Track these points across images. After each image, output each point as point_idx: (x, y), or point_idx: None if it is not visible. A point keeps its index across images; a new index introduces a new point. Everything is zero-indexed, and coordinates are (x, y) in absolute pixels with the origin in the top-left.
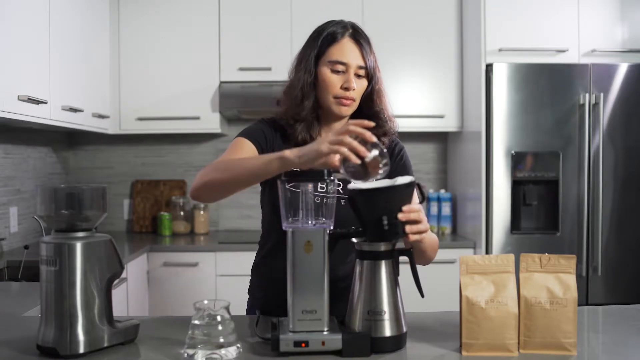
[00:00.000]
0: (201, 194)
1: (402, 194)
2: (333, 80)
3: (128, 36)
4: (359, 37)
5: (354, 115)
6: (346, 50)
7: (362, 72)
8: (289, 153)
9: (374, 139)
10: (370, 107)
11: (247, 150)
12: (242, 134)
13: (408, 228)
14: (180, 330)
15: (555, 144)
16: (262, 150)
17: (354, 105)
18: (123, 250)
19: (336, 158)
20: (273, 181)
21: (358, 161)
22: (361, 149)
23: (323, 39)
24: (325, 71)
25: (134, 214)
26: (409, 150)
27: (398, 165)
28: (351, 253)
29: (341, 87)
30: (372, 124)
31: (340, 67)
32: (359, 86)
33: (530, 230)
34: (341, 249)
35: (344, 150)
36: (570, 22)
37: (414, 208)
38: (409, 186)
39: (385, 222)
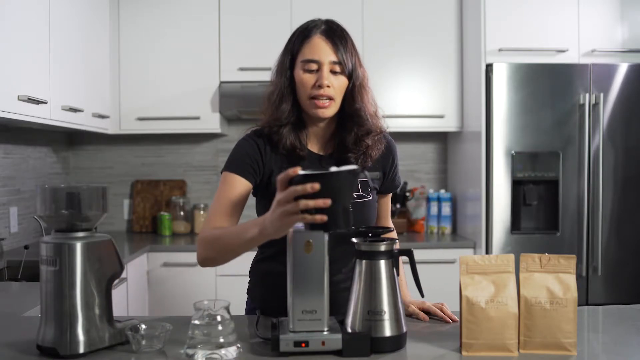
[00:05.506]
0: (207, 265)
1: (342, 184)
2: (306, 80)
3: (128, 36)
4: (331, 32)
5: (337, 114)
6: (316, 47)
7: (337, 68)
8: (260, 232)
9: (317, 186)
10: (350, 104)
11: (238, 187)
12: (229, 169)
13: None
14: (180, 330)
15: (555, 144)
16: (254, 177)
17: (334, 105)
18: (123, 250)
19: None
20: (265, 193)
21: (325, 218)
22: (319, 203)
23: (295, 38)
24: (299, 72)
25: (134, 214)
26: (409, 150)
27: (389, 179)
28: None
29: (314, 86)
30: (298, 169)
31: (313, 66)
32: (337, 83)
33: (530, 230)
34: (344, 251)
35: (307, 217)
36: (570, 22)
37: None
38: (351, 175)
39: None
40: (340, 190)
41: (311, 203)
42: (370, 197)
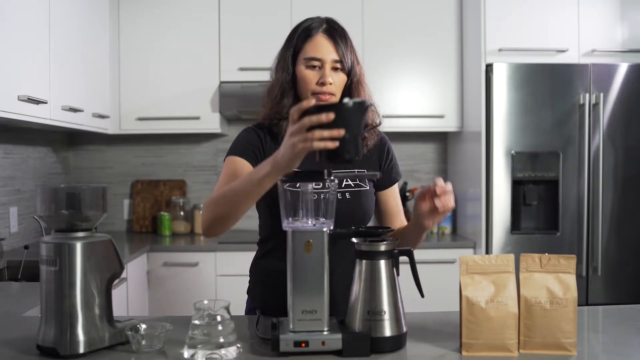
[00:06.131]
0: (212, 230)
1: (352, 115)
2: (309, 77)
3: (128, 36)
4: (333, 31)
5: None
6: (320, 46)
7: (338, 65)
8: (272, 169)
9: (331, 116)
10: None
11: (242, 169)
12: (231, 153)
13: (439, 202)
14: (180, 330)
15: (555, 144)
16: (256, 162)
17: (334, 99)
18: (123, 250)
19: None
20: (268, 191)
21: (336, 144)
22: (334, 133)
23: (297, 36)
24: (302, 68)
25: (134, 214)
26: (409, 150)
27: (387, 169)
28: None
29: (317, 83)
30: (312, 101)
31: (315, 63)
32: (338, 80)
33: (530, 230)
34: (344, 248)
35: (320, 144)
36: (570, 22)
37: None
38: (360, 105)
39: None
40: (351, 120)
41: (326, 133)
42: (367, 188)
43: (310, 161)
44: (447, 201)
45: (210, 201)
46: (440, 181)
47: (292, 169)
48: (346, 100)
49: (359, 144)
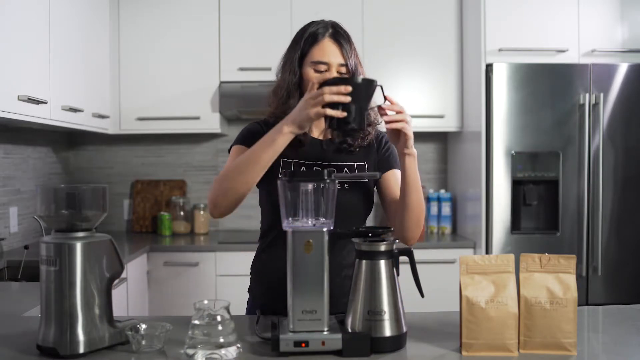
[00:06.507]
0: (222, 204)
1: (362, 90)
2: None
3: (128, 36)
4: (339, 36)
5: None
6: (327, 50)
7: (343, 69)
8: (285, 127)
9: (350, 88)
10: None
11: None
12: (237, 142)
13: (387, 117)
14: (180, 330)
15: (555, 144)
16: None
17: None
18: (123, 250)
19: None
20: (270, 181)
21: (344, 114)
22: (347, 99)
23: (305, 40)
24: (309, 71)
25: (134, 214)
26: None
27: (384, 157)
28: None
29: None
30: (334, 73)
31: (322, 67)
32: None
33: (530, 230)
34: (338, 243)
35: (330, 112)
36: (570, 22)
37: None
38: (370, 83)
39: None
40: (360, 94)
41: (335, 98)
42: (366, 180)
43: (316, 155)
44: (393, 117)
45: (221, 174)
46: (389, 99)
47: (304, 130)
48: (360, 77)
49: (364, 117)
